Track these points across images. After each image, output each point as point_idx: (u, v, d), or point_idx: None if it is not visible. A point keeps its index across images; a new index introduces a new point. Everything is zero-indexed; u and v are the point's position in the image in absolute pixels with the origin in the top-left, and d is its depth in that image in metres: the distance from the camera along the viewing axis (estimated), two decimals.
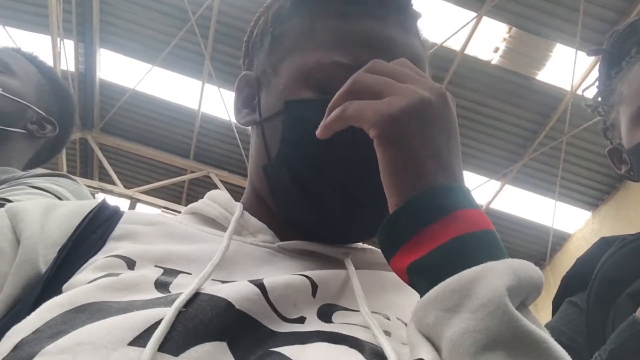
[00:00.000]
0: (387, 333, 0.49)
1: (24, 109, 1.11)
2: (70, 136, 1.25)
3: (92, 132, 7.60)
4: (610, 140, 0.98)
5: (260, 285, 0.48)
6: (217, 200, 0.65)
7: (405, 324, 0.52)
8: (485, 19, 5.85)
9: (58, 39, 6.07)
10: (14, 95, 1.09)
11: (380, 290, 0.58)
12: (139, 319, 0.41)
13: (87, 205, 0.61)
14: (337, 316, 0.50)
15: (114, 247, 0.55)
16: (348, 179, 0.56)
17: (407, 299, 0.58)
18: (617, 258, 0.85)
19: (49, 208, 0.58)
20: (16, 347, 0.40)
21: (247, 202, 0.65)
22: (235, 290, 0.46)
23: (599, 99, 0.99)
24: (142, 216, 0.62)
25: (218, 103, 6.88)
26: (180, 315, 0.42)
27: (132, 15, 6.45)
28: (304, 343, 0.44)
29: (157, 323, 0.41)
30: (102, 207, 0.61)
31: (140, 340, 0.39)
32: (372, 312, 0.51)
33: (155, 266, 0.52)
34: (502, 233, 7.90)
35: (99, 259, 0.52)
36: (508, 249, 0.46)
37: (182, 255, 0.55)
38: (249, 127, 0.68)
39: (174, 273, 0.51)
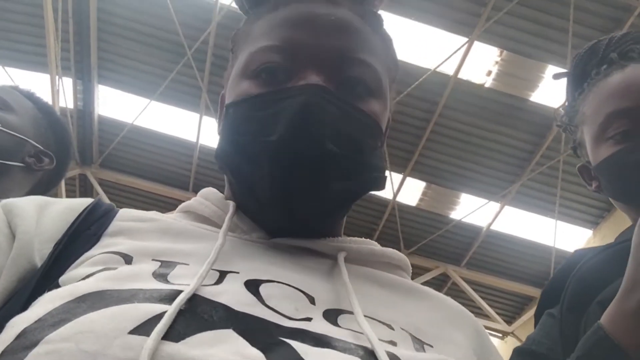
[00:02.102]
0: (393, 343, 0.49)
1: (22, 143, 1.13)
2: (67, 168, 1.28)
3: (92, 167, 7.64)
4: (580, 158, 1.00)
5: (255, 292, 0.48)
6: (210, 198, 0.66)
7: (410, 334, 0.52)
8: (476, 43, 5.95)
9: (57, 77, 6.16)
10: (13, 130, 1.11)
11: (377, 292, 0.58)
12: (139, 312, 0.42)
13: (82, 202, 0.62)
14: (343, 320, 0.50)
15: (109, 242, 0.56)
16: (277, 165, 0.57)
17: (405, 301, 0.59)
18: (588, 268, 0.86)
19: (43, 205, 0.59)
20: (19, 336, 0.41)
21: (238, 197, 0.65)
22: (232, 297, 0.46)
23: (567, 119, 1.02)
24: (137, 213, 0.62)
25: (216, 135, 6.92)
26: (179, 313, 0.43)
27: (129, 52, 6.56)
28: (314, 345, 0.44)
29: (157, 316, 0.41)
30: (97, 204, 0.62)
31: (140, 329, 0.40)
32: (376, 320, 0.52)
33: (153, 260, 0.52)
34: (504, 254, 7.87)
35: (95, 254, 0.53)
36: (511, 270, 0.47)
37: (178, 249, 0.55)
38: None
39: (172, 265, 0.52)
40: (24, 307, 0.46)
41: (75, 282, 0.47)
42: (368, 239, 0.67)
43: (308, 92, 0.57)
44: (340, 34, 0.62)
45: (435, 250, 7.95)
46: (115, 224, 0.59)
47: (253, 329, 0.43)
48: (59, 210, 0.59)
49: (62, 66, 6.29)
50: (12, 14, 6.16)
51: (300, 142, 0.56)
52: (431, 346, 0.53)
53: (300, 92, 0.57)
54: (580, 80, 0.98)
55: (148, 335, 0.39)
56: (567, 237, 7.51)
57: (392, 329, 0.52)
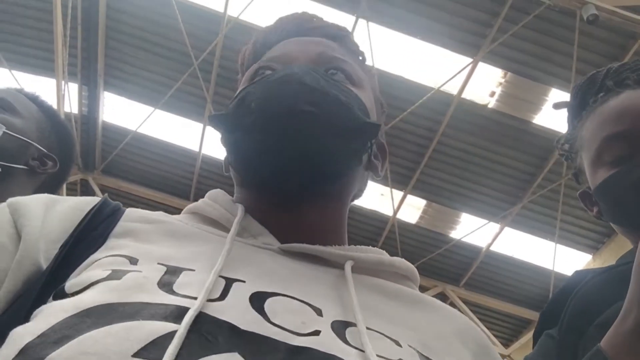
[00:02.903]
0: None
1: (26, 146, 1.14)
2: (70, 172, 1.28)
3: (94, 173, 7.65)
4: (581, 185, 1.02)
5: (261, 309, 0.48)
6: (218, 200, 0.66)
7: (417, 352, 0.52)
8: (481, 64, 5.98)
9: (63, 82, 6.20)
10: (17, 133, 1.12)
11: (384, 305, 0.58)
12: (144, 332, 0.41)
13: (89, 201, 0.61)
14: (351, 334, 0.49)
15: (115, 244, 0.55)
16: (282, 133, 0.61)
17: (412, 314, 0.59)
18: (588, 289, 0.86)
19: (50, 203, 0.58)
20: (22, 352, 0.40)
21: (246, 201, 0.66)
22: (237, 315, 0.46)
23: (567, 147, 1.04)
24: (144, 214, 0.62)
25: (219, 145, 6.94)
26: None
27: (136, 60, 6.60)
28: None
29: (162, 337, 0.41)
30: (104, 203, 0.61)
31: (144, 352, 0.40)
32: (383, 335, 0.51)
33: (158, 264, 0.51)
34: (503, 276, 7.83)
35: (101, 257, 0.52)
36: (509, 292, 0.47)
37: (185, 253, 0.55)
38: None
39: (177, 271, 0.51)
40: (29, 311, 0.46)
41: (79, 292, 0.47)
42: (376, 248, 0.67)
43: (287, 69, 0.66)
44: (318, 44, 0.75)
45: (434, 269, 7.92)
46: (121, 225, 0.58)
47: (258, 351, 0.43)
48: (65, 209, 0.58)
49: (69, 72, 6.33)
50: (21, 19, 6.22)
51: (276, 103, 0.61)
52: None
53: (279, 71, 0.66)
54: (579, 109, 1.01)
55: (152, 359, 0.39)
56: (567, 260, 7.48)
57: (400, 345, 0.52)
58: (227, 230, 0.60)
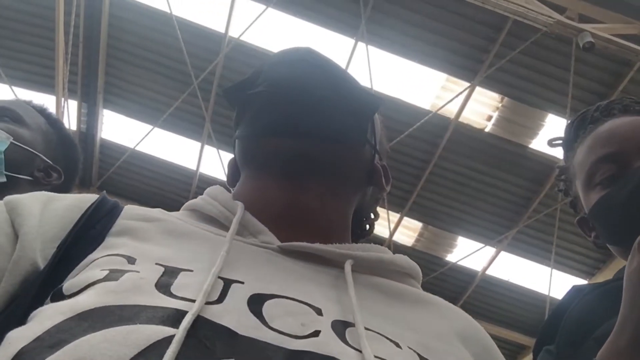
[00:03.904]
0: None
1: (32, 157, 1.15)
2: (74, 184, 1.29)
3: (89, 189, 7.62)
4: (578, 213, 1.04)
5: (259, 313, 0.47)
6: (217, 198, 0.65)
7: (418, 354, 0.51)
8: (478, 88, 6.05)
9: (62, 98, 6.22)
10: (24, 144, 1.13)
11: (384, 305, 0.58)
12: (141, 336, 0.40)
13: (87, 199, 0.60)
14: (351, 334, 0.49)
15: (113, 243, 0.54)
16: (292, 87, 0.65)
17: (413, 314, 0.58)
18: (585, 303, 0.88)
19: (47, 201, 0.58)
20: (17, 356, 0.39)
21: (246, 198, 0.65)
22: (235, 319, 0.45)
23: (564, 177, 1.07)
24: (142, 211, 0.61)
25: (216, 164, 6.97)
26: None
27: (136, 78, 6.64)
28: None
29: (159, 342, 0.40)
30: (102, 201, 0.60)
31: (141, 357, 0.39)
32: (383, 336, 0.51)
33: (156, 264, 0.51)
34: (499, 300, 7.80)
35: (99, 256, 0.51)
36: (504, 317, 0.47)
37: (183, 253, 0.54)
38: None
39: (175, 272, 0.50)
40: (27, 313, 0.45)
41: (77, 293, 0.46)
42: (377, 245, 0.66)
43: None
44: None
45: (429, 292, 7.86)
46: (119, 223, 0.58)
47: (256, 358, 0.42)
48: (63, 207, 0.58)
49: (69, 89, 6.36)
50: (24, 35, 6.26)
51: (288, 65, 0.67)
52: None
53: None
54: (572, 142, 1.05)
55: None
56: (563, 286, 7.45)
57: (400, 347, 0.51)
58: (227, 228, 0.59)
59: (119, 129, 7.19)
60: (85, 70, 6.58)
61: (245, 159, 0.69)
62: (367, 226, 0.81)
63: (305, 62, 0.67)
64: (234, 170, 0.74)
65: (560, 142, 1.09)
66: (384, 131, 0.80)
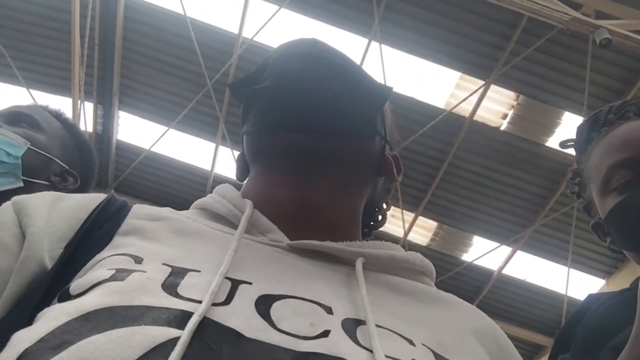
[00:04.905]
0: None
1: (48, 162, 1.16)
2: (90, 189, 1.30)
3: (106, 191, 7.68)
4: (593, 217, 1.03)
5: (266, 315, 0.46)
6: (226, 196, 0.64)
7: (432, 351, 0.50)
8: (493, 86, 6.00)
9: (79, 101, 6.29)
10: (41, 149, 1.14)
11: (397, 303, 0.56)
12: (145, 338, 0.40)
13: (95, 198, 0.60)
14: (362, 333, 0.48)
15: (121, 242, 0.54)
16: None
17: (426, 311, 0.57)
18: (601, 312, 0.87)
19: (55, 201, 0.57)
20: (20, 357, 0.39)
21: (255, 195, 0.64)
22: (242, 321, 0.44)
23: (577, 181, 1.06)
24: (150, 210, 0.61)
25: (231, 164, 7.00)
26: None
27: (151, 80, 6.69)
28: None
29: (164, 344, 0.40)
30: (110, 201, 0.60)
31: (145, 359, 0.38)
32: (396, 333, 0.50)
33: (163, 264, 0.50)
34: (515, 300, 7.73)
35: (106, 256, 0.51)
36: (521, 317, 0.46)
37: (191, 253, 0.53)
38: None
39: (182, 272, 0.49)
40: (33, 314, 0.45)
41: (82, 294, 0.45)
42: (389, 243, 0.64)
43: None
44: None
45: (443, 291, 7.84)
46: (128, 222, 0.57)
47: None
48: (71, 207, 0.57)
49: (85, 91, 6.43)
50: (40, 39, 6.34)
51: (295, 53, 0.66)
52: None
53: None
54: (585, 144, 1.03)
55: None
56: (580, 285, 7.38)
57: (414, 344, 0.50)
58: (235, 227, 0.58)
59: (134, 130, 7.26)
60: (101, 72, 6.65)
61: (254, 154, 0.68)
62: (379, 217, 0.79)
63: (311, 54, 0.65)
64: (243, 165, 0.73)
65: (573, 144, 1.08)
66: (394, 120, 0.78)
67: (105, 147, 7.33)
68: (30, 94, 6.28)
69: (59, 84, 6.60)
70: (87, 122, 6.79)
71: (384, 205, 0.80)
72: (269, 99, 0.64)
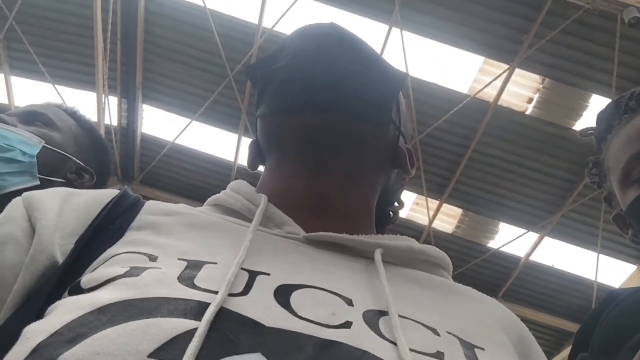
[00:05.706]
0: (440, 354, 0.45)
1: (64, 159, 1.17)
2: (106, 185, 1.31)
3: (132, 184, 7.81)
4: (614, 208, 1.00)
5: (286, 303, 0.45)
6: (240, 191, 0.64)
7: (458, 338, 0.49)
8: (518, 70, 5.88)
9: (103, 95, 6.38)
10: (56, 148, 1.15)
11: (418, 293, 0.55)
12: (161, 330, 0.39)
13: (107, 194, 0.59)
14: (384, 324, 0.47)
15: (133, 238, 0.53)
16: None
17: (448, 302, 0.56)
18: (621, 309, 0.83)
19: (67, 196, 0.57)
20: (34, 351, 0.38)
21: (269, 189, 0.64)
22: (261, 310, 0.43)
23: (596, 171, 1.03)
24: (164, 206, 0.60)
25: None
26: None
27: (173, 73, 6.74)
28: None
29: (180, 336, 0.39)
30: (123, 196, 0.59)
31: (161, 352, 0.37)
32: (420, 323, 0.49)
33: (179, 259, 0.49)
34: (543, 287, 7.64)
35: (119, 252, 0.50)
36: (550, 304, 0.45)
37: (206, 246, 0.52)
38: None
39: (199, 265, 0.48)
40: (43, 307, 0.44)
41: (96, 288, 0.45)
42: (404, 236, 0.63)
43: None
44: None
45: (471, 280, 7.77)
46: (141, 218, 0.56)
47: (284, 350, 0.40)
48: (83, 202, 0.56)
49: (109, 85, 6.52)
50: (64, 35, 6.44)
51: (309, 36, 0.66)
52: (482, 349, 0.50)
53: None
54: (605, 133, 0.99)
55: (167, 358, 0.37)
56: (610, 271, 7.25)
57: (438, 334, 0.48)
58: (250, 221, 0.57)
59: (158, 123, 7.34)
60: (124, 66, 6.72)
61: (267, 139, 0.67)
62: (391, 213, 0.78)
63: (328, 34, 0.64)
64: (255, 152, 0.72)
65: (592, 132, 1.04)
66: (409, 113, 0.77)
67: (130, 141, 7.43)
68: (57, 90, 6.39)
69: (84, 79, 6.70)
70: (112, 116, 6.89)
71: (397, 203, 0.78)
72: (283, 77, 0.63)
